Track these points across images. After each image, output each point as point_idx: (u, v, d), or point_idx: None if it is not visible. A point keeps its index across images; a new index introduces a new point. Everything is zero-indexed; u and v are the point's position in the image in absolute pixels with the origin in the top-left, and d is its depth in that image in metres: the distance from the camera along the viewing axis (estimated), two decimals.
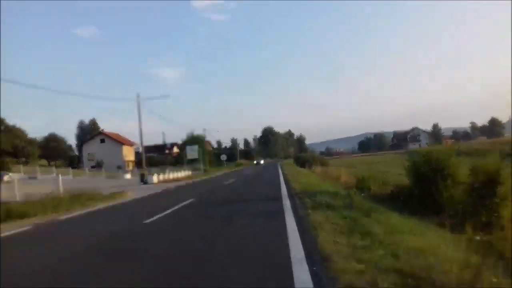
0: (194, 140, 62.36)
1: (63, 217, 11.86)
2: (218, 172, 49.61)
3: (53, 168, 50.12)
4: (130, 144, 76.21)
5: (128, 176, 47.00)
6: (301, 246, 5.40)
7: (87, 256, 6.19)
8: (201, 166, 52.38)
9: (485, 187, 9.70)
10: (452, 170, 10.71)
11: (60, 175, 21.91)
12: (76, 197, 15.84)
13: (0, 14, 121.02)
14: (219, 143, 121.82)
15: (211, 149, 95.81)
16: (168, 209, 11.39)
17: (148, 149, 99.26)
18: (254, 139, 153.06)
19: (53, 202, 14.16)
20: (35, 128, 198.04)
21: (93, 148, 73.98)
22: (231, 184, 23.61)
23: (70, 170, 49.24)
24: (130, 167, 67.59)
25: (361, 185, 18.04)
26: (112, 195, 18.09)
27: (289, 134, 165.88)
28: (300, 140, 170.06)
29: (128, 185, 29.22)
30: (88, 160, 71.53)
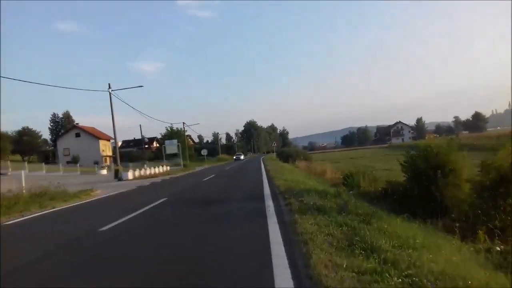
0: (174, 134, 60.49)
1: (11, 221, 10.36)
2: (198, 168, 48.14)
3: (25, 164, 47.52)
4: (107, 138, 73.57)
5: (104, 171, 45.16)
6: (289, 272, 4.03)
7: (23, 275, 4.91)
8: (181, 161, 50.80)
9: (498, 186, 8.50)
10: (454, 166, 9.49)
11: (23, 171, 20.01)
12: (37, 196, 14.32)
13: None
14: (200, 137, 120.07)
15: (192, 143, 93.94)
16: (133, 212, 9.89)
17: (127, 143, 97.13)
18: (236, 134, 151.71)
19: (9, 203, 12.64)
20: (7, 121, 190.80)
21: (68, 142, 71.47)
22: (209, 181, 22.14)
23: (43, 165, 46.97)
24: (108, 162, 65.31)
25: (349, 182, 16.88)
26: (78, 194, 16.46)
27: (272, 128, 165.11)
28: (283, 135, 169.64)
29: (101, 182, 27.55)
30: (64, 155, 68.95)
